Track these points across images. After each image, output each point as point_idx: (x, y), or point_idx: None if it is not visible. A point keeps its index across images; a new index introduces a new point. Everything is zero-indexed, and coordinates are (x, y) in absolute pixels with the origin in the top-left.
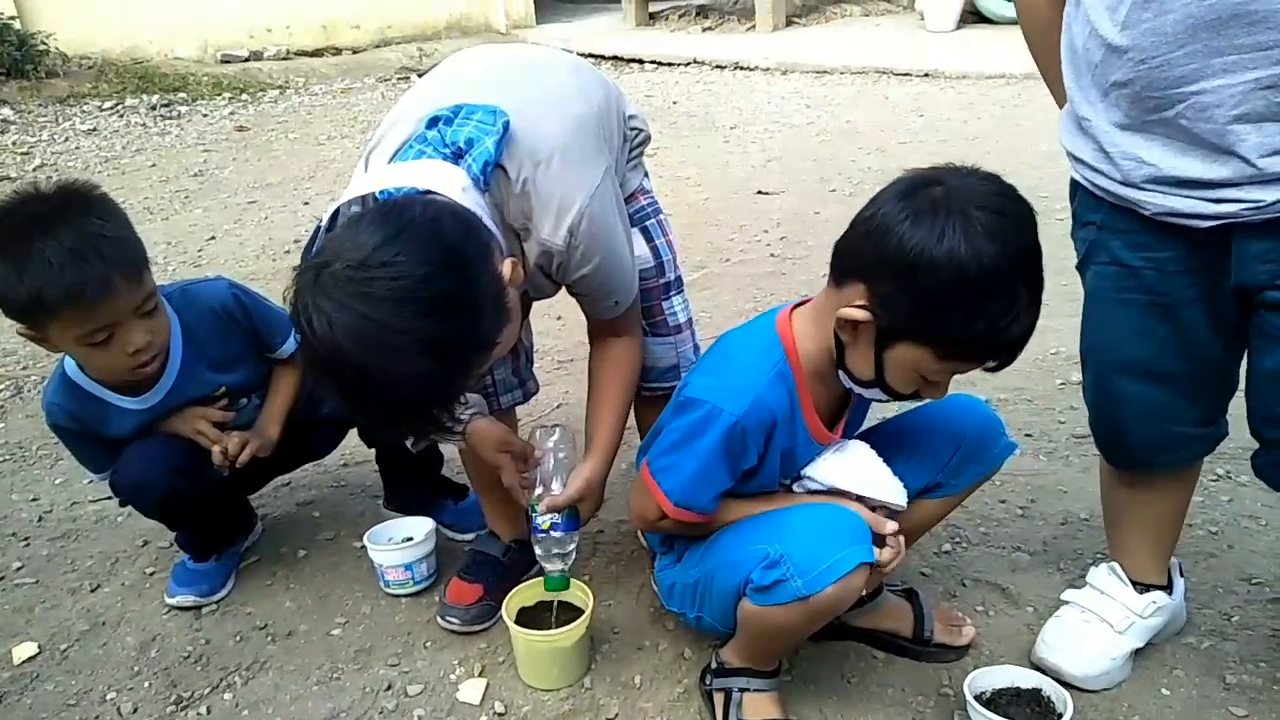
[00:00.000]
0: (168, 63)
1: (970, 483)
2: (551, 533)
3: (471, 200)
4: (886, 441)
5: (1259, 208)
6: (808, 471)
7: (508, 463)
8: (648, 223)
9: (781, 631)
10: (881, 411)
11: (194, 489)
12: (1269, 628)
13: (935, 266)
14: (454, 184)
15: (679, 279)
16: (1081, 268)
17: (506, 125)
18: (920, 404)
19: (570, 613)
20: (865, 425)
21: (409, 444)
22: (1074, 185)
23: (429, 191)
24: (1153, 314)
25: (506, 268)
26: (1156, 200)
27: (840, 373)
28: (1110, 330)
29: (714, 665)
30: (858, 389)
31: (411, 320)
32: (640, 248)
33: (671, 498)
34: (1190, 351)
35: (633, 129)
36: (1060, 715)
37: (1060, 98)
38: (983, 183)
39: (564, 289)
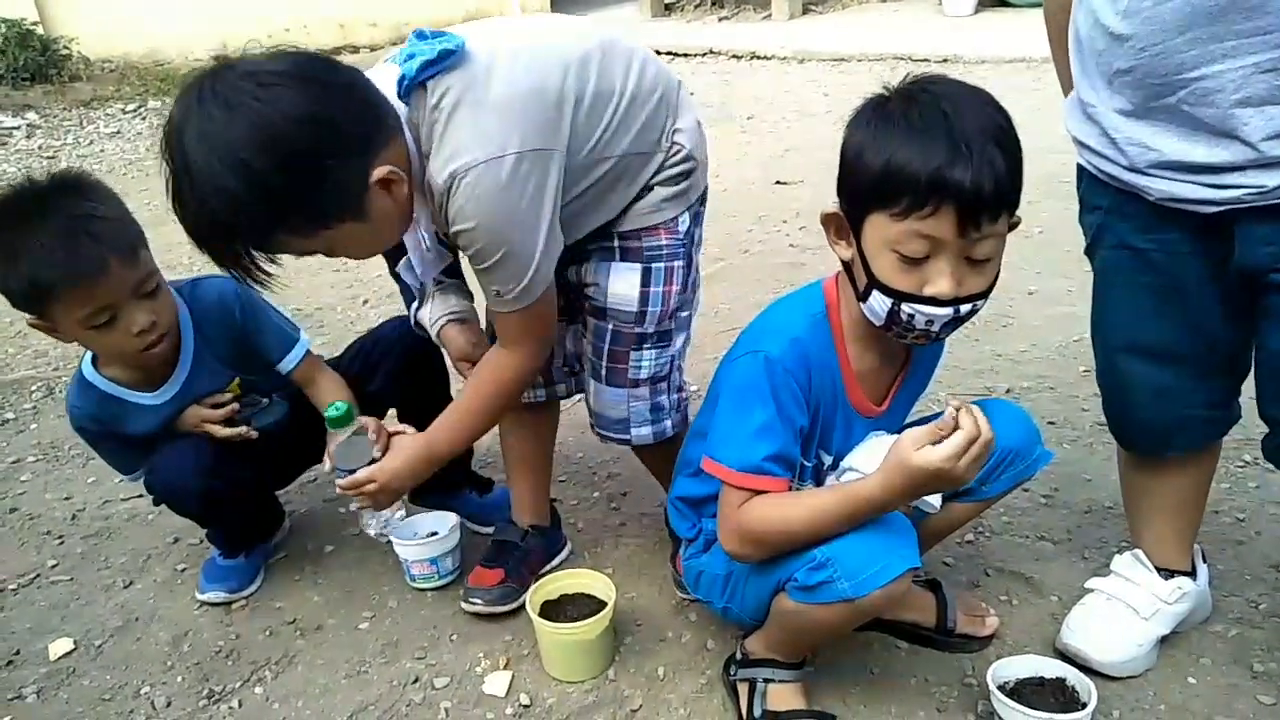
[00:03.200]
0: (188, 64)
1: (1003, 489)
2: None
3: (397, 104)
4: None
5: (1262, 193)
6: (847, 461)
7: (469, 370)
8: (654, 265)
9: (819, 629)
10: (924, 405)
11: (228, 488)
12: None
13: (858, 133)
14: (388, 83)
15: (666, 333)
16: (1090, 252)
17: (447, 53)
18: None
19: (594, 605)
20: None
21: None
22: (1080, 170)
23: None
24: (1161, 296)
25: (380, 171)
26: (1161, 186)
27: (860, 306)
28: (1119, 313)
29: (739, 656)
30: (866, 308)
31: (251, 148)
32: (628, 287)
33: (732, 463)
34: (1199, 333)
35: (674, 144)
36: (1085, 704)
37: (1066, 84)
38: (923, 76)
39: None
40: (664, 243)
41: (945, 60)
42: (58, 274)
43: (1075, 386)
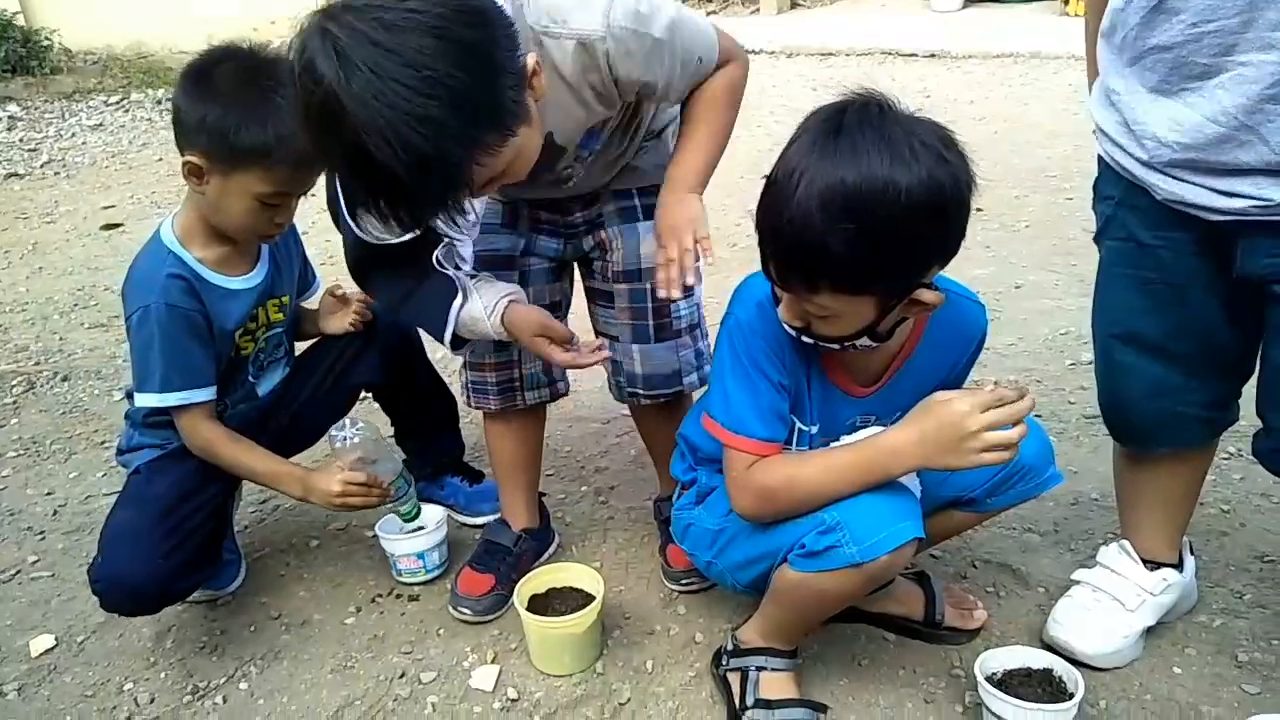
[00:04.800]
0: (172, 56)
1: (1008, 504)
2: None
3: None
4: None
5: (1267, 207)
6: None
7: (548, 347)
8: None
9: (821, 598)
10: None
11: (191, 579)
12: None
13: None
14: None
15: (689, 286)
16: (1098, 240)
17: None
18: None
19: (582, 599)
20: None
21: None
22: (1098, 158)
23: None
24: (1164, 293)
25: (530, 60)
26: (1169, 186)
27: None
28: (1121, 305)
29: (730, 646)
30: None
31: (428, 55)
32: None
33: (722, 421)
34: (1197, 333)
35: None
36: (1072, 695)
37: (1093, 70)
38: (855, 103)
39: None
40: None
41: (932, 55)
42: (289, 152)
43: (1062, 380)
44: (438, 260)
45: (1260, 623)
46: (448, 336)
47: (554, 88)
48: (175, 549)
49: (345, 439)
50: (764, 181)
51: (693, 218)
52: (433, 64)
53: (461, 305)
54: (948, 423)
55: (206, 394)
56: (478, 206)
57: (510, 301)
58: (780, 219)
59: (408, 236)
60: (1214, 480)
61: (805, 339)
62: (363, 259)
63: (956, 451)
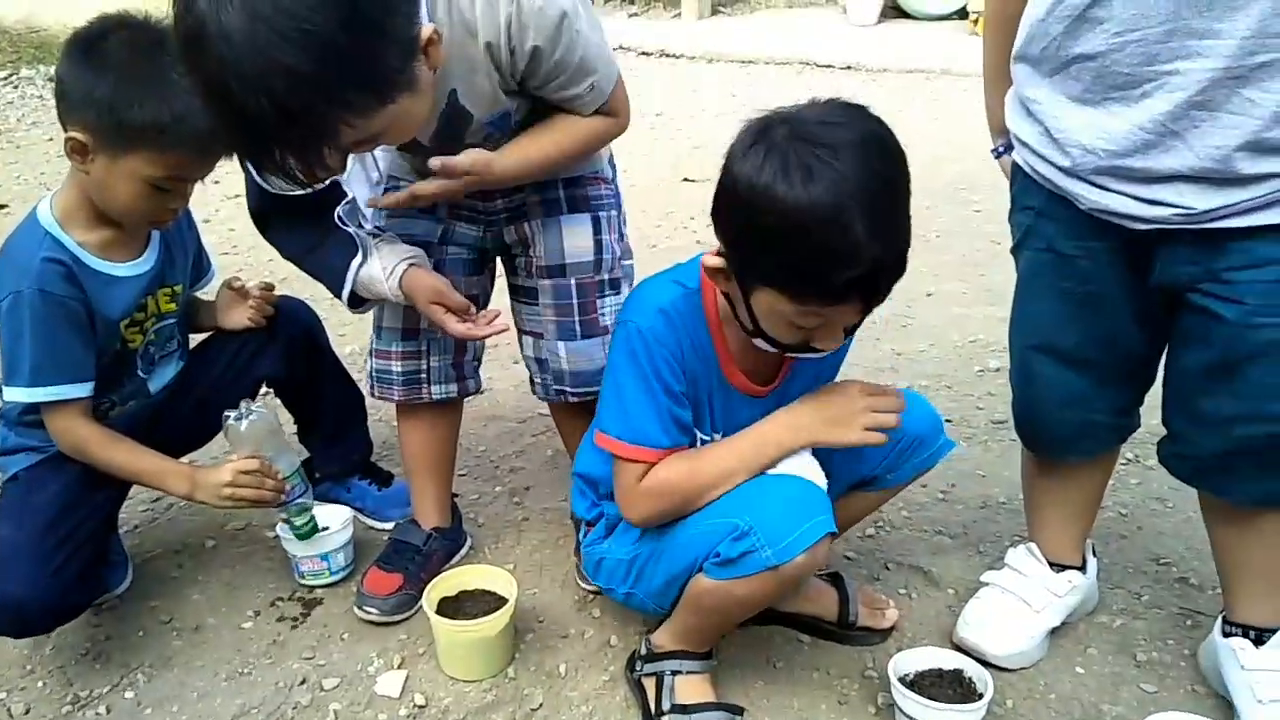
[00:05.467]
0: (65, 31)
1: (907, 478)
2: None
3: None
4: None
5: (1189, 215)
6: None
7: (443, 315)
8: (601, 214)
9: (739, 605)
10: None
11: (86, 593)
12: (1177, 606)
13: (754, 204)
14: None
15: (616, 281)
16: (1015, 251)
17: None
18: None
19: (494, 601)
20: None
21: (267, 184)
22: (1015, 169)
23: None
24: (1081, 302)
25: (427, 30)
26: (1093, 196)
27: (736, 322)
28: (1038, 316)
29: (644, 651)
30: (753, 340)
31: (310, 7)
32: (582, 238)
33: (616, 434)
34: (1112, 342)
35: None
36: (981, 695)
37: (994, 87)
38: (827, 114)
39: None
40: (603, 192)
41: (849, 67)
42: (185, 137)
43: (971, 385)
44: (339, 217)
45: (1157, 623)
46: (345, 294)
47: (460, 44)
48: (64, 564)
49: (241, 418)
50: (794, 228)
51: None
52: (311, 17)
53: (361, 264)
54: (839, 400)
55: (82, 390)
56: (381, 165)
57: (410, 264)
58: (873, 243)
59: (311, 189)
60: (1113, 485)
61: (761, 344)
62: (265, 208)
63: (845, 425)
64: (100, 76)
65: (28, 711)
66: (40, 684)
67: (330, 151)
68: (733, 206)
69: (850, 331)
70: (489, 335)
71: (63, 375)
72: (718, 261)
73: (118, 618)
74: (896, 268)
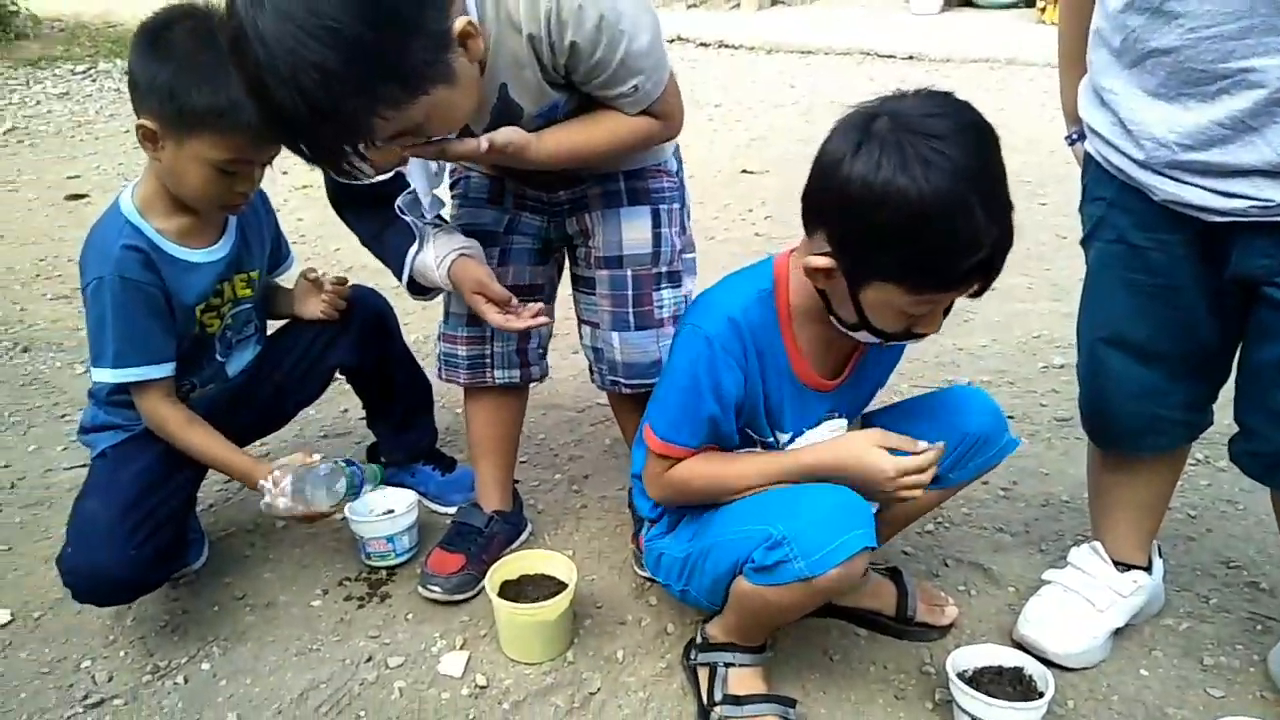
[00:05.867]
0: None
1: (969, 477)
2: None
3: None
4: (889, 428)
5: (1267, 208)
6: (795, 446)
7: (484, 305)
8: (661, 207)
9: (777, 611)
10: (886, 396)
11: (164, 568)
12: (1246, 610)
13: (876, 201)
14: None
15: (676, 274)
16: (1086, 243)
17: None
18: (927, 393)
19: (554, 586)
20: (875, 404)
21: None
22: (1087, 159)
23: None
24: (1153, 295)
25: (460, 23)
26: (1168, 187)
27: (831, 318)
28: (1109, 308)
29: (699, 640)
30: (851, 333)
31: (335, 5)
32: (641, 230)
33: (656, 430)
34: (1186, 335)
35: None
36: (1041, 694)
37: (1069, 78)
38: (925, 105)
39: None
40: (665, 185)
41: (911, 57)
42: (244, 117)
43: (1034, 382)
44: (399, 207)
45: (1225, 627)
46: (404, 281)
47: (507, 38)
48: (147, 540)
49: (266, 506)
50: (919, 221)
51: None
52: (338, 15)
53: (417, 253)
54: (870, 474)
55: (162, 371)
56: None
57: (460, 254)
58: (994, 230)
59: (375, 179)
60: (1181, 486)
61: (860, 336)
62: (336, 195)
63: (867, 493)
64: (163, 65)
65: (110, 679)
66: (122, 653)
67: (372, 144)
68: (845, 207)
69: (946, 311)
70: (526, 328)
71: (143, 357)
72: (825, 262)
73: (194, 592)
74: (1009, 245)
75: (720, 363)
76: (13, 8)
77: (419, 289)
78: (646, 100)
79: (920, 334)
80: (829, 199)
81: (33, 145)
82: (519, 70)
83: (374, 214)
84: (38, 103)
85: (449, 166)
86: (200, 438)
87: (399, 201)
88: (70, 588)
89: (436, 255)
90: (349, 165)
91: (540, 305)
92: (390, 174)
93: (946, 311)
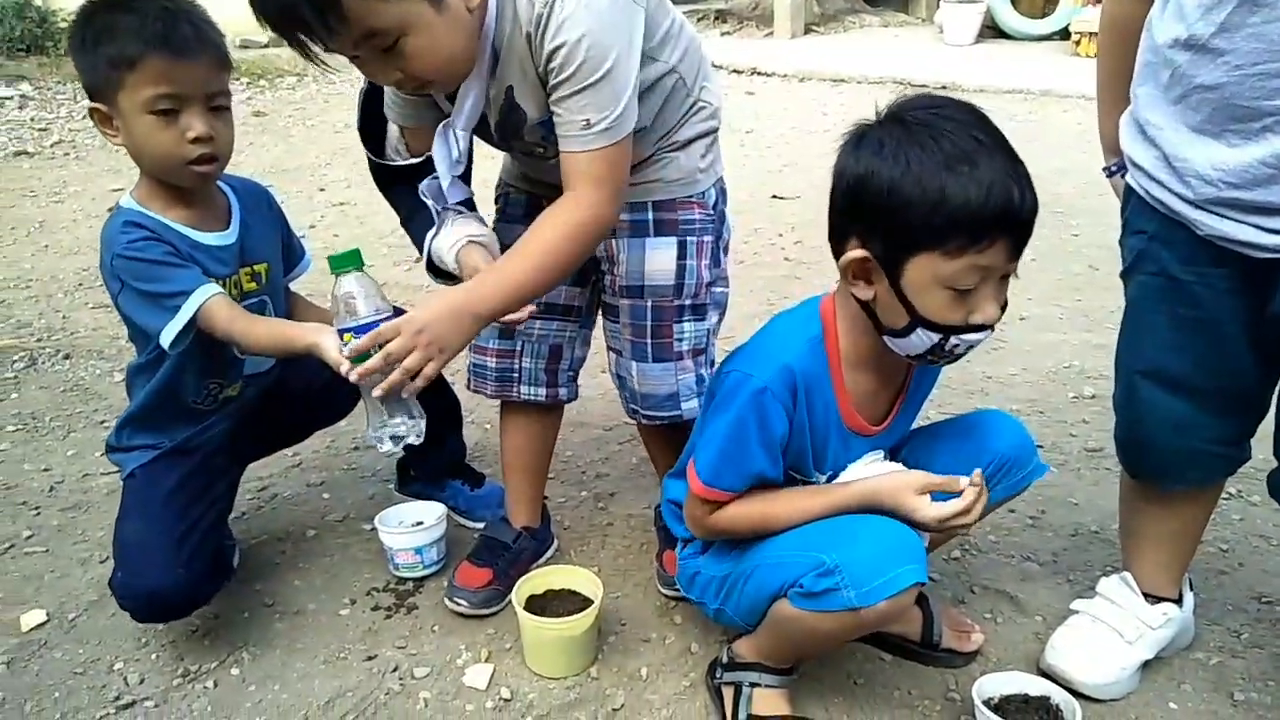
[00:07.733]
0: None
1: (997, 501)
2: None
3: None
4: (919, 453)
5: None
6: (842, 478)
7: None
8: (689, 239)
9: (818, 637)
10: (917, 421)
11: (212, 583)
12: (1278, 646)
13: (888, 173)
14: None
15: (701, 307)
16: (1126, 275)
17: None
18: (956, 416)
19: (579, 602)
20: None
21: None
22: (1128, 192)
23: None
24: (1194, 329)
25: None
26: (1211, 223)
27: (885, 339)
28: (1148, 341)
29: (725, 659)
30: (905, 340)
31: None
32: (665, 261)
33: (701, 475)
34: (1226, 370)
35: (703, 97)
36: None
37: (1108, 110)
38: (912, 101)
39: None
40: (696, 216)
41: (944, 87)
42: (150, 44)
43: (1064, 411)
44: (421, 192)
45: (1257, 663)
46: (424, 264)
47: (514, 38)
48: (193, 557)
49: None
50: (933, 178)
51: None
52: None
53: (434, 237)
54: (910, 518)
55: (206, 290)
56: (462, 144)
57: (469, 241)
58: (1008, 181)
59: (409, 162)
60: (1214, 521)
61: (969, 347)
62: (382, 176)
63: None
64: (86, 51)
65: (142, 681)
66: (154, 656)
67: (342, 28)
68: (860, 192)
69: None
70: (516, 322)
71: (184, 291)
72: (860, 253)
73: (224, 598)
74: (1031, 194)
75: (772, 414)
76: (63, 24)
77: (439, 272)
78: (594, 144)
79: (979, 325)
80: (845, 198)
81: (79, 158)
82: (524, 73)
83: (402, 198)
84: (84, 117)
85: (469, 151)
86: (264, 327)
87: (422, 186)
88: (129, 612)
89: (449, 240)
90: (309, 54)
91: (531, 306)
92: (420, 158)
93: (1003, 308)
